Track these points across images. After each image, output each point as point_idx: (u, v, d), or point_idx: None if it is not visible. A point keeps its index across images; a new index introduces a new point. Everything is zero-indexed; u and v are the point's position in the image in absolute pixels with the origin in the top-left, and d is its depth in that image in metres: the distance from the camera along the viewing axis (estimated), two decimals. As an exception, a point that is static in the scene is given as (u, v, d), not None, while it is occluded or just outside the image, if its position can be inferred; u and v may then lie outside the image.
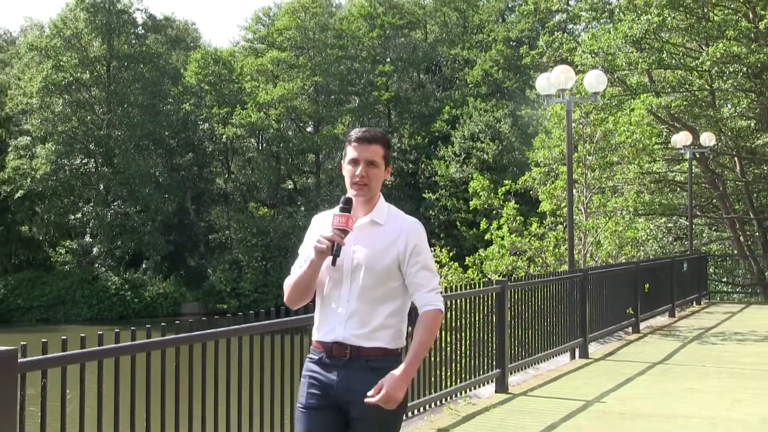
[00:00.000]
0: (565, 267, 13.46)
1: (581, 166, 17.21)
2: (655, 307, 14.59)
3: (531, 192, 20.97)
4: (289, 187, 50.33)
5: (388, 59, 50.56)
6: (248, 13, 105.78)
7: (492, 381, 8.31)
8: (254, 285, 42.13)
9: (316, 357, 3.27)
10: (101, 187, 45.01)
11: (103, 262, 42.85)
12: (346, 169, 3.28)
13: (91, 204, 44.47)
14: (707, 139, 19.29)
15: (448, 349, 7.59)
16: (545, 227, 17.15)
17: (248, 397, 5.27)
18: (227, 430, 5.07)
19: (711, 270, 22.52)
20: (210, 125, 47.92)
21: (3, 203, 41.66)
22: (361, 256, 3.20)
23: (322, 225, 3.30)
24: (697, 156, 21.76)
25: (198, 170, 48.42)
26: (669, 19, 21.19)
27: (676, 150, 20.02)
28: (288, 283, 3.28)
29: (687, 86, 23.09)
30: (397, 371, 3.11)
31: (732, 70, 21.46)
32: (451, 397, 7.54)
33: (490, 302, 8.29)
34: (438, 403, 7.33)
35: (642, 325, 13.54)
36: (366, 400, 3.07)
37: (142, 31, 49.10)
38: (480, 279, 14.52)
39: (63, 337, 4.04)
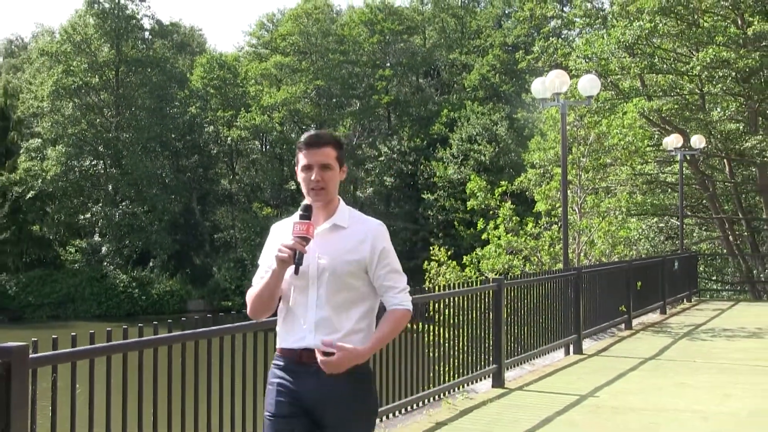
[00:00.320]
0: (560, 265, 13.46)
1: (575, 167, 17.20)
2: (647, 304, 14.59)
3: (527, 193, 20.96)
4: (292, 187, 50.23)
5: (388, 64, 50.56)
6: (253, 19, 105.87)
7: (489, 376, 8.30)
8: (258, 283, 42.05)
9: (283, 364, 3.09)
10: (110, 187, 45.04)
11: (112, 260, 42.85)
12: (301, 177, 3.12)
13: (100, 204, 44.49)
14: (697, 141, 19.29)
15: (447, 345, 7.59)
16: (540, 227, 17.13)
17: (252, 391, 5.28)
18: (231, 424, 5.07)
19: (701, 268, 22.52)
20: (215, 128, 47.92)
21: (15, 204, 41.66)
22: (326, 261, 3.05)
23: (281, 234, 3.16)
24: (688, 158, 21.75)
25: (203, 171, 48.41)
26: (660, 25, 21.21)
27: (668, 152, 20.01)
28: (250, 295, 3.11)
29: (678, 90, 23.11)
30: (355, 348, 2.97)
31: (721, 74, 21.50)
32: (449, 392, 7.54)
33: (487, 300, 8.29)
34: (437, 397, 7.33)
35: (634, 322, 13.53)
36: (319, 349, 2.95)
37: (150, 37, 49.09)
38: (477, 277, 14.51)
39: (72, 334, 4.04)
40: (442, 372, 7.45)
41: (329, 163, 3.09)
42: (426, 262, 16.07)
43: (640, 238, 23.08)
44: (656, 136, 22.74)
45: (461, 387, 7.81)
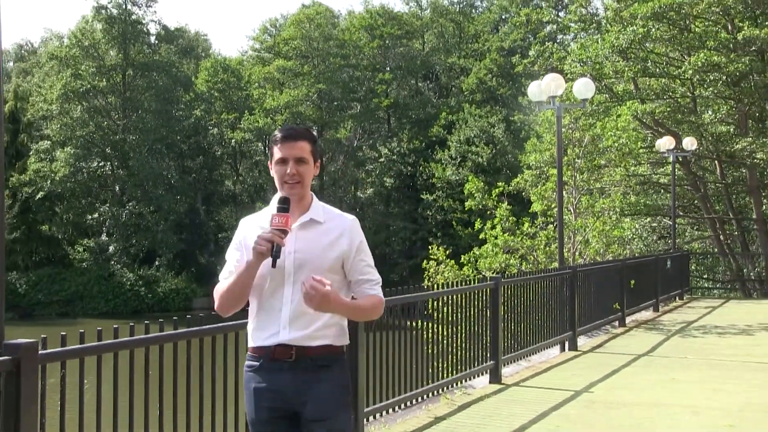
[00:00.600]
0: (556, 264, 13.46)
1: (571, 168, 17.21)
2: (640, 302, 14.58)
3: (523, 193, 20.95)
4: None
5: (388, 67, 50.58)
6: (256, 24, 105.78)
7: (486, 372, 8.30)
8: (261, 282, 42.06)
9: (257, 363, 2.99)
10: (117, 188, 45.09)
11: (119, 259, 42.86)
12: (275, 170, 3.03)
13: (108, 204, 44.52)
14: (689, 143, 19.29)
15: (445, 342, 7.58)
16: (536, 227, 17.13)
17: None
18: (236, 418, 5.07)
19: (693, 267, 22.51)
20: (219, 130, 47.95)
21: (25, 204, 41.65)
22: (303, 256, 2.96)
23: (251, 228, 3.05)
24: (680, 159, 21.75)
25: (208, 173, 48.41)
26: (653, 30, 21.20)
27: (660, 154, 20.02)
28: (219, 290, 2.99)
29: (670, 93, 23.11)
30: (337, 296, 2.89)
31: (712, 78, 21.52)
32: (447, 388, 7.53)
33: (484, 298, 8.29)
34: (435, 393, 7.32)
35: (628, 320, 13.53)
36: (311, 276, 2.85)
37: (156, 42, 49.12)
38: (475, 276, 14.50)
39: (81, 331, 4.04)
40: (440, 368, 7.45)
41: (304, 157, 3.02)
42: (425, 261, 16.07)
43: (634, 237, 23.07)
44: (649, 138, 22.73)
45: (459, 383, 7.80)
